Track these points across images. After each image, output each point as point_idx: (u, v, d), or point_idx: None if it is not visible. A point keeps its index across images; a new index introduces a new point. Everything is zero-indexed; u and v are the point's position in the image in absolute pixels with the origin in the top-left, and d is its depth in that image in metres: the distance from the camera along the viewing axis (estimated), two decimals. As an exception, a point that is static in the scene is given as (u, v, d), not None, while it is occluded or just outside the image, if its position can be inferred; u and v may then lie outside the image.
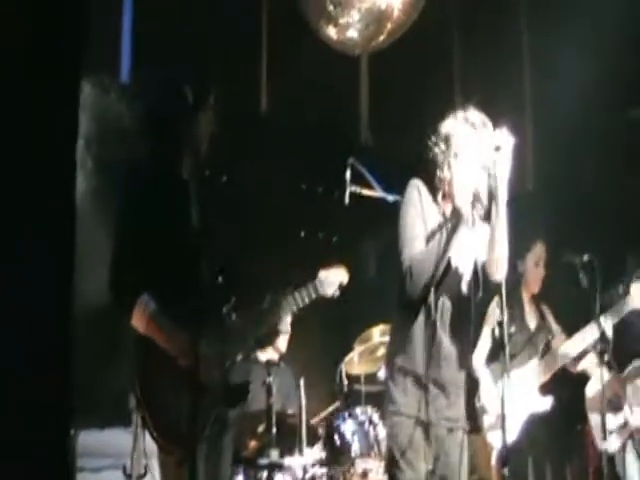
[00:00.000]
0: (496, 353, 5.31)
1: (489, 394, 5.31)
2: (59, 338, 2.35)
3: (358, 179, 4.17)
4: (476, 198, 3.67)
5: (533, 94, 7.58)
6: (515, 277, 5.40)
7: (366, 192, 4.20)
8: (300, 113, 6.71)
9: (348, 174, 4.17)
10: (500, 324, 3.54)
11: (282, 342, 5.40)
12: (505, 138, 3.59)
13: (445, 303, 3.77)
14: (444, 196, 3.82)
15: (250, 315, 3.73)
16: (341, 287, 4.02)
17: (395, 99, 7.17)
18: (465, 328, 3.85)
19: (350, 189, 4.18)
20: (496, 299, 5.36)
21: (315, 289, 3.92)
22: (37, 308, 2.33)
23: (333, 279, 3.98)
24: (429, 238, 3.70)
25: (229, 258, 3.73)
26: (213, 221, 3.55)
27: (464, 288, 3.84)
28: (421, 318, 3.74)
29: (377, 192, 4.16)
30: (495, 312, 5.39)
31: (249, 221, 6.16)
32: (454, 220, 3.66)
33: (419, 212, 3.73)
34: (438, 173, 3.78)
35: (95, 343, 5.03)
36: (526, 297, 5.69)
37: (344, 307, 5.79)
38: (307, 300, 3.89)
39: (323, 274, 3.96)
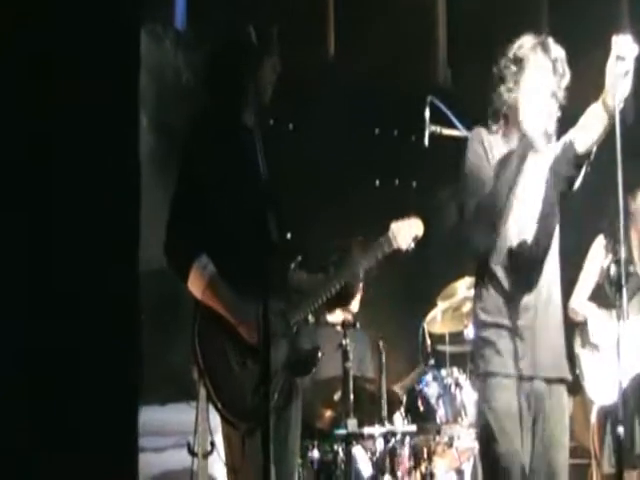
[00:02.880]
0: (601, 296, 5.08)
1: (599, 332, 5.04)
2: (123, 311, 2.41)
3: (438, 118, 3.97)
4: (544, 125, 3.46)
5: (631, 20, 7.14)
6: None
7: (447, 132, 3.99)
8: (372, 54, 6.50)
9: (427, 113, 3.98)
10: (617, 262, 3.17)
11: (354, 302, 5.26)
12: (629, 46, 3.22)
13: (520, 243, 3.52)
14: (509, 124, 3.56)
15: (319, 274, 3.62)
16: (416, 240, 3.82)
17: (474, 36, 6.94)
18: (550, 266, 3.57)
19: (430, 129, 3.99)
20: (601, 236, 5.05)
21: (389, 243, 3.73)
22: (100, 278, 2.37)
23: (407, 231, 3.79)
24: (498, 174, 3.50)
25: (297, 212, 3.67)
26: (279, 173, 3.45)
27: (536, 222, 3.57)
28: (498, 266, 3.52)
29: (459, 131, 3.93)
30: (599, 250, 5.06)
31: (318, 171, 6.01)
32: (522, 148, 3.45)
33: (483, 165, 3.52)
34: (506, 96, 3.53)
35: (153, 315, 4.90)
36: (636, 240, 5.22)
37: (425, 260, 5.58)
38: (380, 256, 3.71)
39: (396, 226, 3.77)
